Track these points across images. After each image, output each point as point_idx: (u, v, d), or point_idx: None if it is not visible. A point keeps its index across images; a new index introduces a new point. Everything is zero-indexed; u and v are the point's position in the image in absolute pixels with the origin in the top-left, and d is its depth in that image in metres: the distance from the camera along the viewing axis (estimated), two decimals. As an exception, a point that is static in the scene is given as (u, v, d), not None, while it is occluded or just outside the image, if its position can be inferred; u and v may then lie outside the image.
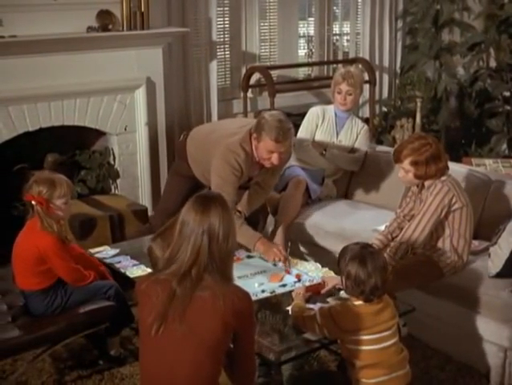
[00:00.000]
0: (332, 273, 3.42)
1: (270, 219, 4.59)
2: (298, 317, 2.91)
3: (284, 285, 3.36)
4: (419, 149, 3.45)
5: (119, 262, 3.70)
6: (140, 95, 5.20)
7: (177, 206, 3.95)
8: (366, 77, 6.39)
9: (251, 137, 3.81)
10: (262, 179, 4.07)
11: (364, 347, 2.65)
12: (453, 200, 3.46)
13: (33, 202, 3.22)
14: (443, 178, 3.50)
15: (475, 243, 3.88)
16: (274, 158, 3.75)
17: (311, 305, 3.02)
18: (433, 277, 3.55)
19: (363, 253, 2.68)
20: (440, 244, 3.57)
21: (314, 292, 3.20)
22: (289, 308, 3.04)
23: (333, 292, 3.21)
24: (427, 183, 3.53)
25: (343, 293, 3.05)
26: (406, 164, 3.47)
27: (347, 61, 6.54)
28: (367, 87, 6.52)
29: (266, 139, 3.69)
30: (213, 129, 4.19)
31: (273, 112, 3.88)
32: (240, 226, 3.72)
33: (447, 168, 3.53)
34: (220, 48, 6.23)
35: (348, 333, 2.67)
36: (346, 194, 4.84)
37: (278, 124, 3.69)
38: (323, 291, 3.20)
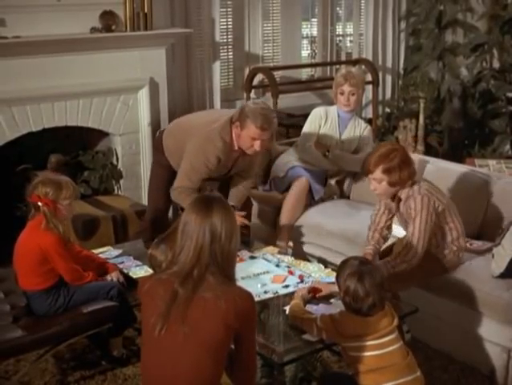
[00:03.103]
0: (334, 274, 3.39)
1: (273, 219, 4.61)
2: (296, 317, 2.92)
3: (287, 286, 3.36)
4: (388, 155, 3.38)
5: (122, 263, 3.71)
6: (143, 95, 5.20)
7: (162, 198, 4.07)
8: (369, 78, 6.39)
9: (232, 125, 3.84)
10: (242, 169, 4.10)
11: (368, 353, 2.64)
12: (436, 205, 3.42)
13: (39, 203, 3.22)
14: (416, 187, 3.41)
15: (478, 243, 3.88)
16: (257, 145, 3.79)
17: (314, 306, 3.03)
18: (436, 272, 3.53)
19: (362, 269, 2.68)
20: (438, 241, 3.54)
21: (317, 293, 3.21)
22: (286, 307, 3.04)
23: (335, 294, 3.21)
24: (403, 195, 3.45)
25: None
26: (378, 173, 3.39)
27: (350, 62, 6.54)
28: (370, 87, 6.52)
29: (250, 126, 3.74)
30: (190, 120, 4.22)
31: (256, 100, 3.98)
32: None
33: (414, 175, 3.46)
34: (223, 49, 6.24)
35: (350, 339, 2.66)
36: (348, 195, 4.84)
37: (263, 112, 3.76)
38: (317, 296, 3.17)
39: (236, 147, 3.89)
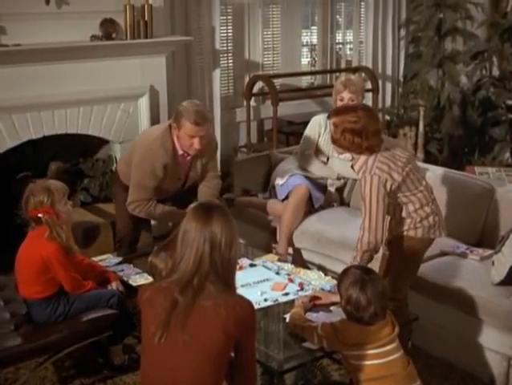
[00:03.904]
0: (334, 282, 3.39)
1: (272, 226, 4.61)
2: (296, 325, 2.91)
3: (287, 294, 3.35)
4: (345, 116, 3.25)
5: (122, 270, 3.70)
6: (144, 103, 5.21)
7: (130, 217, 4.10)
8: (369, 85, 6.40)
9: (171, 129, 3.92)
10: (199, 176, 4.14)
11: (369, 362, 2.63)
12: (389, 185, 3.20)
13: (39, 215, 3.22)
14: (370, 162, 3.20)
15: (479, 250, 3.88)
16: (196, 142, 3.85)
17: (314, 314, 3.02)
18: (417, 247, 3.35)
19: (364, 278, 2.66)
20: (397, 217, 3.35)
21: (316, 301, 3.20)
22: (286, 315, 3.04)
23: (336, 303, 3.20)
24: (356, 166, 3.27)
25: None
26: (331, 122, 3.31)
27: (350, 69, 6.55)
28: (370, 95, 6.53)
29: (185, 124, 3.81)
30: (136, 139, 4.31)
31: (191, 100, 4.04)
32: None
33: (373, 149, 3.22)
34: (223, 57, 6.25)
35: (351, 347, 2.65)
36: (348, 202, 4.84)
37: (196, 108, 3.84)
38: (316, 303, 3.15)
39: (180, 151, 3.96)
